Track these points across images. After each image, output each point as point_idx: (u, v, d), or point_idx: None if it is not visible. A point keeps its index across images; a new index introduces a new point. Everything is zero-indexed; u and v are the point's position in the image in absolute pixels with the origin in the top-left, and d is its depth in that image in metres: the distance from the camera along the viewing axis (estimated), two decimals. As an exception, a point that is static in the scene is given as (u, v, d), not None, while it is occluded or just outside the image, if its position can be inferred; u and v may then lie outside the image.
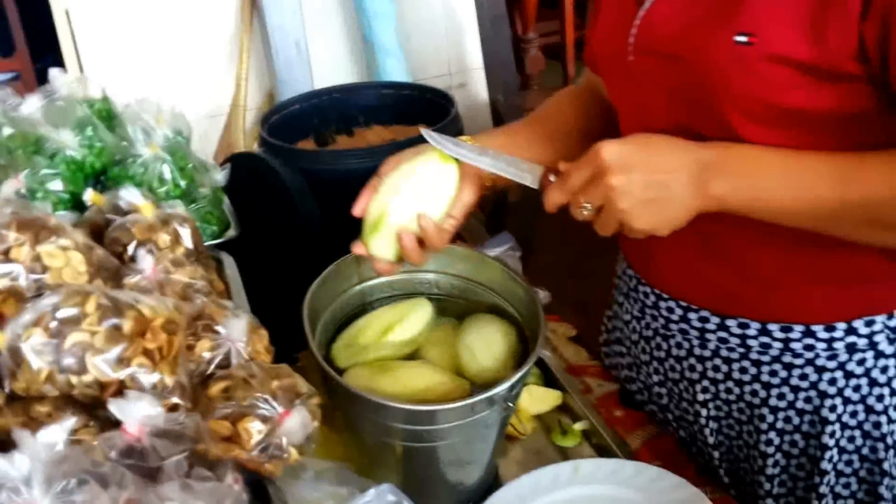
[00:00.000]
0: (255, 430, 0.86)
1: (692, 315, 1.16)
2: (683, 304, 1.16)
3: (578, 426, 1.30)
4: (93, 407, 0.89)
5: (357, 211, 1.09)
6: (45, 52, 3.01)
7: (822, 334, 1.08)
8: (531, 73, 3.39)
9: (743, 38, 0.91)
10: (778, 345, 1.10)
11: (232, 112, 3.02)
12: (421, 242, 1.07)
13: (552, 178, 0.98)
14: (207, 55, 3.01)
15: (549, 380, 1.40)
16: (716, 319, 1.13)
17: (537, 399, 1.34)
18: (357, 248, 1.10)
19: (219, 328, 0.98)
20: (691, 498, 1.09)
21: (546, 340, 1.50)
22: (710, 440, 1.22)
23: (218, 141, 3.06)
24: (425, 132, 1.06)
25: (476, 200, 1.10)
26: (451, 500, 1.19)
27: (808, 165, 0.93)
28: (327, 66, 3.08)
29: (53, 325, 0.86)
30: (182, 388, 0.89)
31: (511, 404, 1.09)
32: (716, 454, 1.23)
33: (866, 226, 0.94)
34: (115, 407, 0.81)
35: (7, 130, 1.40)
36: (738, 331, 1.12)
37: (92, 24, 2.55)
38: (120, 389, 0.86)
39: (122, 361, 0.86)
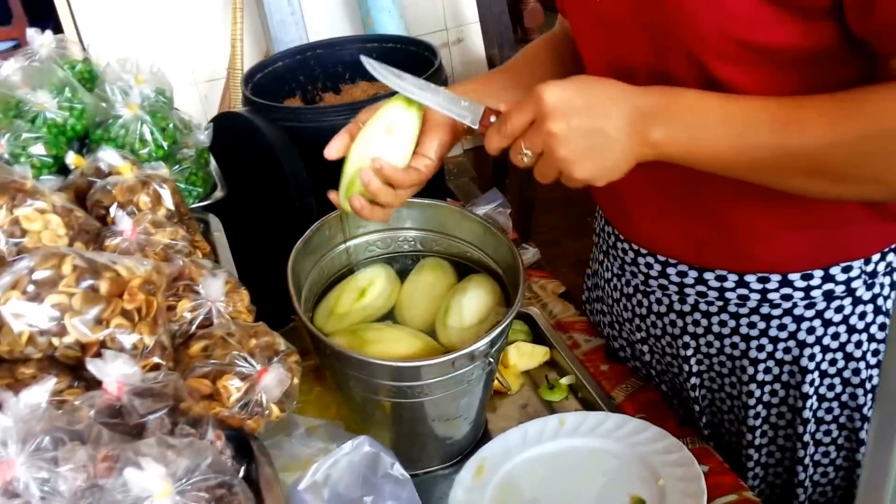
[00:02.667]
0: (233, 387, 0.88)
1: (670, 270, 1.17)
2: (662, 258, 1.18)
3: (565, 381, 1.34)
4: (77, 368, 0.92)
5: (329, 153, 1.08)
6: (43, 21, 3.01)
7: (800, 283, 1.10)
8: (530, 26, 3.38)
9: None
10: (755, 296, 1.12)
11: (229, 75, 3.03)
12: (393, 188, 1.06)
13: (493, 119, 0.97)
14: (202, 18, 3.02)
15: (537, 336, 1.43)
16: (694, 273, 1.15)
17: (525, 355, 1.38)
18: (331, 195, 1.10)
19: (198, 289, 1.00)
20: (670, 447, 1.13)
21: (534, 296, 1.53)
22: (693, 394, 1.25)
23: (218, 104, 3.08)
24: (365, 60, 1.05)
25: (450, 140, 1.09)
26: (441, 455, 1.22)
27: (747, 112, 0.92)
28: (322, 23, 3.08)
29: (31, 287, 0.88)
30: (162, 347, 0.92)
31: (493, 360, 1.12)
32: (696, 407, 1.26)
33: (804, 175, 0.93)
34: (92, 366, 0.84)
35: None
36: (715, 283, 1.14)
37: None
38: (100, 350, 0.88)
39: (101, 322, 0.89)
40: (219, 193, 1.43)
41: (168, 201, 1.18)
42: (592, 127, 0.90)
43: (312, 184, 1.43)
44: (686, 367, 1.23)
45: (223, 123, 1.54)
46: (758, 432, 1.21)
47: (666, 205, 1.12)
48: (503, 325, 1.07)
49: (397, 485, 0.90)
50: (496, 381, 1.27)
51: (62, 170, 1.32)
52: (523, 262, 1.15)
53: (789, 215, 1.06)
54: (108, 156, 1.19)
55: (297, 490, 0.89)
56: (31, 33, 1.46)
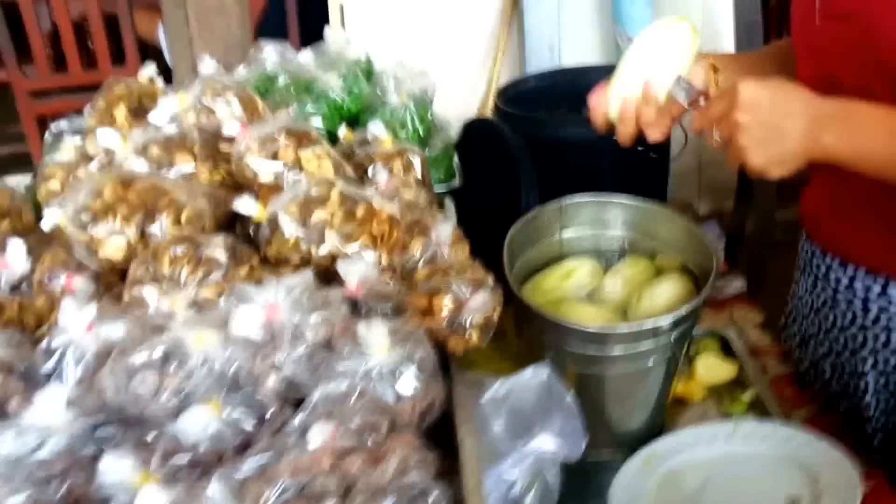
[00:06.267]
0: (446, 304, 1.11)
1: (857, 284, 1.30)
2: (850, 270, 1.30)
3: (746, 396, 1.46)
4: (324, 279, 1.18)
5: (593, 101, 1.27)
6: (314, 38, 3.42)
7: None
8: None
9: None
10: None
11: (479, 111, 3.30)
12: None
13: (702, 101, 1.16)
14: (464, 56, 3.28)
15: (728, 356, 1.56)
16: (878, 287, 1.27)
17: (713, 369, 1.52)
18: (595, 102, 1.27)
19: (430, 233, 1.24)
20: (834, 458, 1.22)
21: (733, 323, 1.66)
22: (868, 413, 1.34)
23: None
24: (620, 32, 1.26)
25: (705, 90, 1.23)
26: (613, 442, 1.38)
27: None
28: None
29: (305, 204, 1.16)
30: (393, 269, 1.17)
31: (675, 347, 1.27)
32: (869, 428, 1.35)
33: None
34: (341, 266, 1.09)
35: (283, 79, 1.77)
36: None
37: (362, 16, 2.83)
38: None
39: (351, 238, 1.15)
40: (456, 182, 1.69)
41: (418, 170, 1.44)
42: (772, 123, 1.07)
43: (540, 186, 1.65)
44: (862, 385, 1.33)
45: (472, 126, 1.80)
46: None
47: (856, 212, 1.25)
48: (689, 307, 1.23)
49: (567, 411, 1.08)
50: (678, 384, 1.41)
51: (332, 141, 1.63)
52: (718, 262, 1.31)
53: None
54: (375, 127, 1.47)
55: (480, 403, 1.10)
56: (328, 31, 1.81)
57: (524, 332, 1.37)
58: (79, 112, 1.63)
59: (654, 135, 1.23)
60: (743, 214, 2.98)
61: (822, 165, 1.24)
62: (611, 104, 1.24)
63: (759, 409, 1.44)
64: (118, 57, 3.64)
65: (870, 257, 1.29)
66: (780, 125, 1.08)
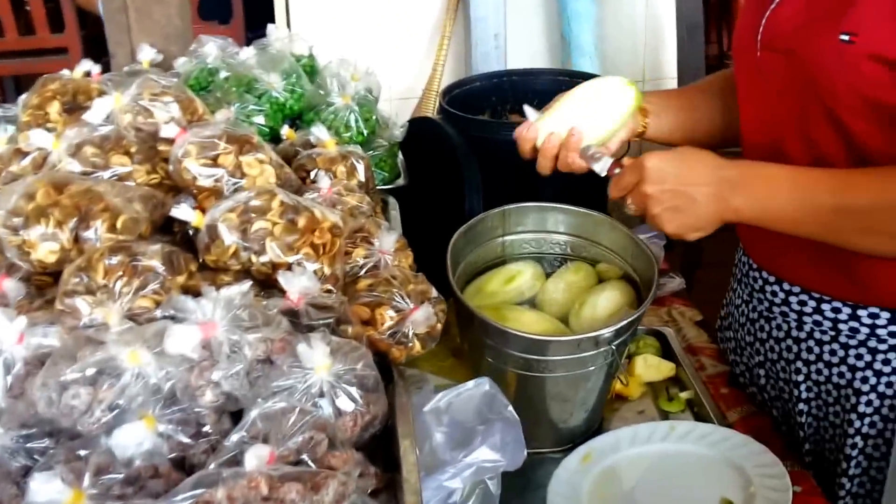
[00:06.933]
0: (388, 316, 1.12)
1: (792, 299, 1.34)
2: (786, 287, 1.34)
3: (684, 395, 1.50)
4: (264, 285, 1.18)
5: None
6: (258, 22, 3.39)
7: None
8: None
9: (846, 37, 1.09)
10: (865, 330, 1.27)
11: (423, 96, 3.31)
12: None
13: (616, 171, 1.22)
14: (409, 39, 3.30)
15: (666, 354, 1.59)
16: (812, 303, 1.31)
17: (651, 368, 1.55)
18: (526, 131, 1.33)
19: (374, 241, 1.24)
20: (766, 461, 1.26)
21: (672, 320, 1.70)
22: (800, 419, 1.39)
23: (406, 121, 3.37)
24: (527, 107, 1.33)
25: (628, 137, 1.35)
26: (553, 438, 1.40)
27: (812, 180, 1.14)
28: (523, 59, 3.32)
29: (245, 213, 1.15)
30: (336, 279, 1.17)
31: (615, 352, 1.30)
32: (801, 433, 1.40)
33: (860, 233, 1.12)
34: (282, 278, 1.09)
35: (224, 74, 1.75)
36: (830, 314, 1.29)
37: (306, 4, 2.83)
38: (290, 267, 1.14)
39: (293, 248, 1.14)
40: (400, 181, 1.69)
41: (361, 174, 1.44)
42: (680, 191, 1.13)
43: (483, 187, 1.66)
44: (796, 393, 1.37)
45: (416, 125, 1.80)
46: (853, 462, 1.33)
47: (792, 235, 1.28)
48: (630, 319, 1.26)
49: (507, 423, 1.09)
50: (617, 382, 1.45)
51: (275, 140, 1.62)
52: (659, 270, 1.33)
53: None
54: (318, 131, 1.46)
55: (422, 411, 1.11)
56: (271, 27, 1.80)
57: (466, 333, 1.38)
58: (14, 77, 1.60)
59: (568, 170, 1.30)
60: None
61: None
62: (539, 133, 1.31)
63: (695, 407, 1.47)
64: (57, 25, 3.59)
65: (803, 278, 1.33)
66: (689, 193, 1.14)
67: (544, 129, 1.31)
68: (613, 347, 1.28)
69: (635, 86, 1.30)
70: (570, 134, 1.27)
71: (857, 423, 1.31)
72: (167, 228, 1.24)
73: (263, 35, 1.87)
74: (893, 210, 1.08)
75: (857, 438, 1.32)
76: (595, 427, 1.43)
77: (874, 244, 1.14)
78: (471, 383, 1.12)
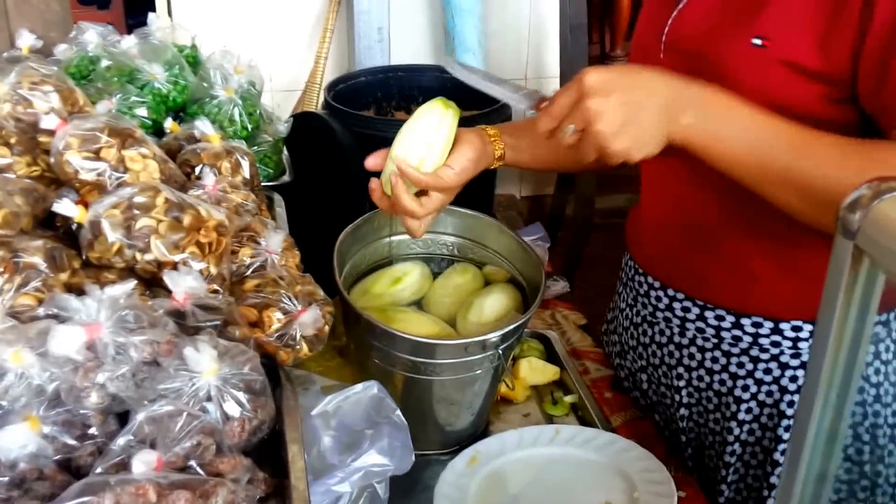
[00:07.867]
0: (276, 318, 1.11)
1: (676, 305, 1.38)
2: (670, 293, 1.38)
3: (568, 399, 1.54)
4: (149, 283, 1.16)
5: (369, 162, 1.27)
6: (139, 9, 3.31)
7: (789, 333, 1.29)
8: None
9: (758, 42, 1.10)
10: (748, 338, 1.31)
11: (307, 88, 3.29)
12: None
13: (545, 104, 1.10)
14: (292, 31, 3.28)
15: (551, 357, 1.63)
16: (696, 310, 1.35)
17: (536, 371, 1.58)
18: (373, 183, 1.28)
19: (260, 241, 1.24)
20: (650, 466, 1.30)
21: (556, 324, 1.74)
22: (682, 424, 1.44)
23: (290, 115, 3.35)
24: (448, 59, 1.27)
25: (476, 157, 1.26)
26: (440, 440, 1.42)
27: (772, 126, 1.05)
28: (407, 54, 3.34)
29: (129, 209, 1.13)
30: (222, 278, 1.15)
31: (502, 356, 1.32)
32: (683, 438, 1.45)
33: (795, 195, 1.05)
34: (168, 278, 1.07)
35: (105, 62, 1.70)
36: (714, 322, 1.33)
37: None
38: (175, 266, 1.12)
39: (178, 247, 1.12)
40: (286, 178, 1.69)
41: (246, 171, 1.42)
42: (628, 100, 1.03)
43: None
44: (677, 399, 1.42)
45: (302, 120, 1.80)
46: (731, 469, 1.38)
47: (681, 241, 1.32)
48: (517, 324, 1.28)
49: (395, 427, 1.11)
50: (503, 385, 1.48)
51: (158, 133, 1.59)
52: (545, 277, 1.36)
53: (793, 263, 1.23)
54: (202, 125, 1.44)
55: (310, 415, 1.11)
56: (152, 17, 1.76)
57: (352, 334, 1.39)
58: None
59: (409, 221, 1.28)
60: (563, 199, 3.11)
61: (655, 178, 1.29)
62: (384, 185, 1.27)
63: (580, 411, 1.51)
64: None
65: (688, 285, 1.36)
66: (637, 101, 1.04)
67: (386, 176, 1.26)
68: (500, 351, 1.30)
69: (451, 106, 1.24)
70: (397, 170, 1.21)
71: (737, 431, 1.36)
72: (49, 223, 1.20)
73: (143, 22, 1.83)
74: (841, 186, 1.01)
75: (736, 446, 1.37)
76: (481, 430, 1.46)
77: (800, 207, 1.07)
78: (359, 386, 1.12)
